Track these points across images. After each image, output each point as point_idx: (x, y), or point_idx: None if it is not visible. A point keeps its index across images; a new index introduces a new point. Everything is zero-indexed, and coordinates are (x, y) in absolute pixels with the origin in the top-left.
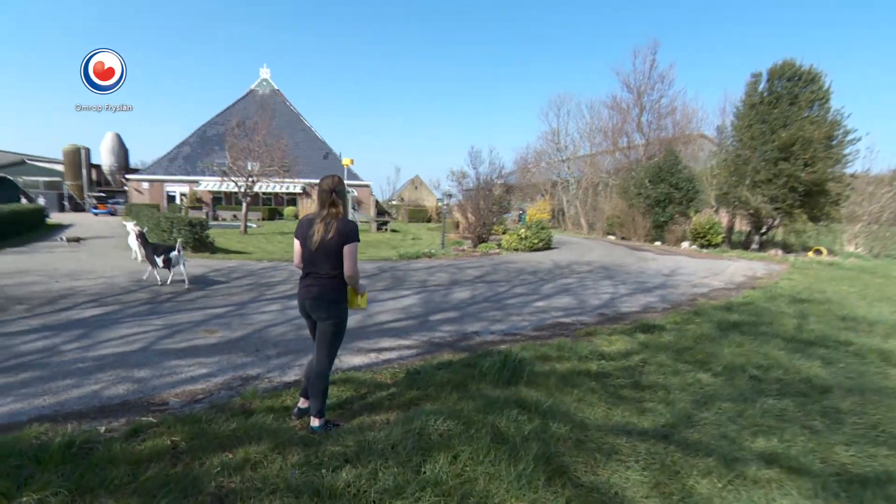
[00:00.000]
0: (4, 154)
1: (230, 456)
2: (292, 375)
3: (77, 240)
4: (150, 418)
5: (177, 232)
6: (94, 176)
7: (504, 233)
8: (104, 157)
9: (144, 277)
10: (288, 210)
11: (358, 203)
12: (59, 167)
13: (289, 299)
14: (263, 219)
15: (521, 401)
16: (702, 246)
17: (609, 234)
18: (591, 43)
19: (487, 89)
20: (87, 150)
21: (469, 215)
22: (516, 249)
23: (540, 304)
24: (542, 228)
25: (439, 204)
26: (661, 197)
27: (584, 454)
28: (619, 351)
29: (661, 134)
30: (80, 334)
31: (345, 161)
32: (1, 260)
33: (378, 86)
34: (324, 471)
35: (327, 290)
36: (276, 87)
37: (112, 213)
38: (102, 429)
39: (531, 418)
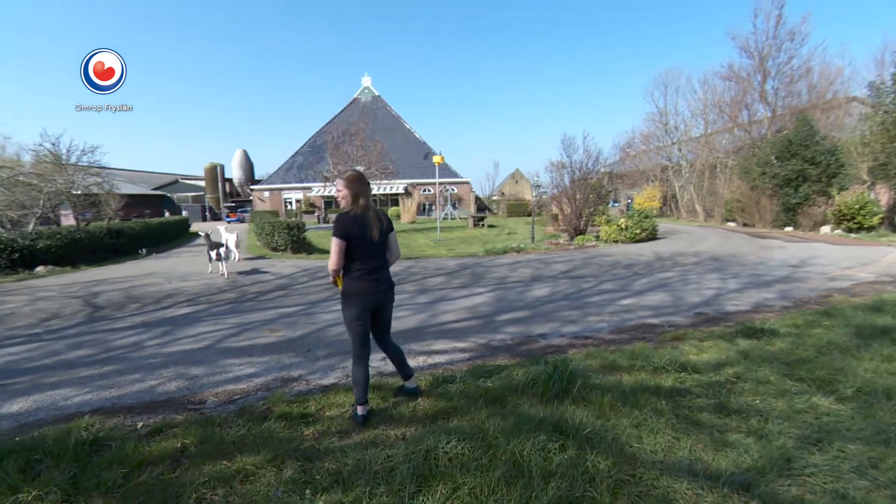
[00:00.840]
0: (162, 175)
1: (227, 465)
2: (332, 378)
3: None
4: (182, 417)
5: (277, 235)
6: (227, 188)
7: (607, 223)
8: (234, 172)
9: (208, 271)
10: (391, 210)
11: (458, 200)
12: (202, 183)
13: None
14: None
15: (560, 422)
16: (849, 230)
17: (728, 220)
18: (699, 13)
19: (591, 74)
20: (222, 167)
21: (564, 207)
22: (615, 241)
23: (626, 301)
24: (646, 217)
25: (532, 197)
26: (791, 175)
27: (621, 501)
28: (709, 361)
29: (792, 102)
30: (165, 331)
31: (435, 158)
32: (143, 264)
33: (476, 80)
34: (308, 491)
35: (389, 276)
36: (377, 94)
37: (241, 221)
38: (140, 424)
39: (565, 446)
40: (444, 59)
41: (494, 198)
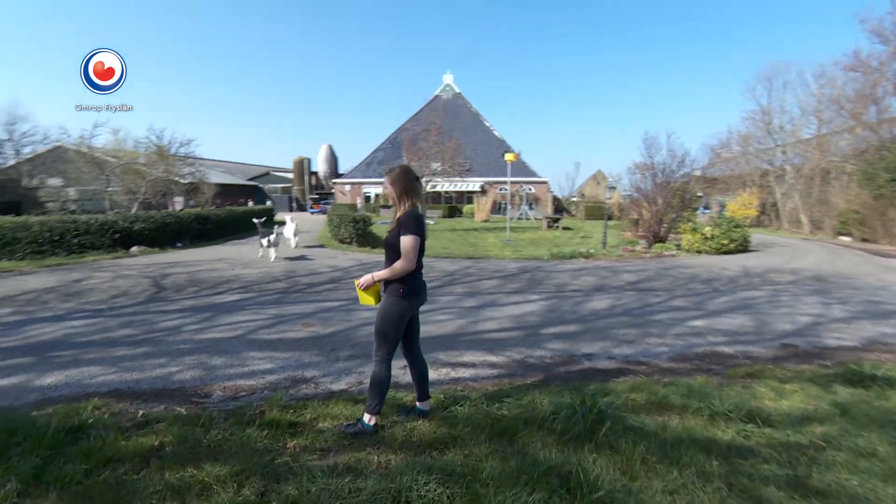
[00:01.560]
0: (255, 167)
1: (192, 472)
2: (343, 383)
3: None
4: (181, 410)
5: (344, 227)
6: (313, 181)
7: (691, 231)
8: (320, 166)
9: (259, 255)
10: (467, 208)
11: (535, 200)
12: (291, 175)
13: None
14: (444, 216)
15: (572, 475)
16: None
17: (842, 234)
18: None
19: (682, 72)
20: (309, 160)
21: (644, 211)
22: (699, 251)
23: (698, 323)
24: (736, 226)
25: (608, 199)
26: None
27: None
28: (789, 412)
29: None
30: (206, 318)
31: (508, 156)
32: (218, 249)
33: (559, 79)
34: None
35: None
36: (457, 91)
37: (323, 212)
38: (139, 413)
39: None
40: (527, 55)
41: (574, 199)
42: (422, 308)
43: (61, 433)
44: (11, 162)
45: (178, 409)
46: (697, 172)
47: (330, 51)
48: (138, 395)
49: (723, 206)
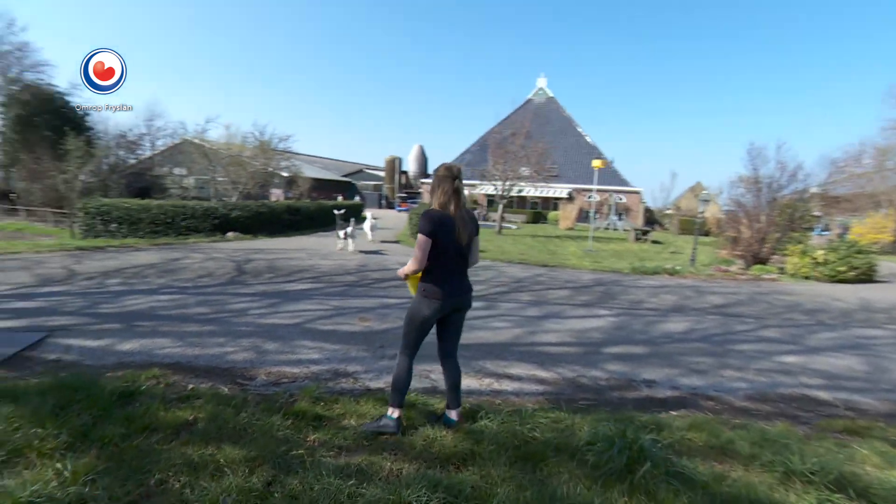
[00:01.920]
0: (349, 164)
1: (212, 451)
2: (382, 382)
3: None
4: (225, 389)
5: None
6: (403, 180)
7: (800, 254)
8: (410, 165)
9: (337, 248)
10: (552, 214)
11: (625, 210)
12: (382, 173)
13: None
14: (527, 221)
15: None
16: None
17: None
18: None
19: (799, 79)
20: (400, 160)
21: (743, 228)
22: (806, 277)
23: (789, 359)
24: (858, 252)
25: (700, 213)
26: None
27: None
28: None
29: None
30: (272, 303)
31: (595, 163)
32: (304, 239)
33: (660, 85)
34: None
35: (468, 281)
36: (550, 95)
37: (409, 211)
38: (189, 387)
39: None
40: (626, 60)
41: (668, 211)
42: (479, 313)
43: (114, 396)
44: (147, 154)
45: (222, 388)
46: (815, 189)
47: (428, 53)
48: (193, 369)
49: (846, 229)
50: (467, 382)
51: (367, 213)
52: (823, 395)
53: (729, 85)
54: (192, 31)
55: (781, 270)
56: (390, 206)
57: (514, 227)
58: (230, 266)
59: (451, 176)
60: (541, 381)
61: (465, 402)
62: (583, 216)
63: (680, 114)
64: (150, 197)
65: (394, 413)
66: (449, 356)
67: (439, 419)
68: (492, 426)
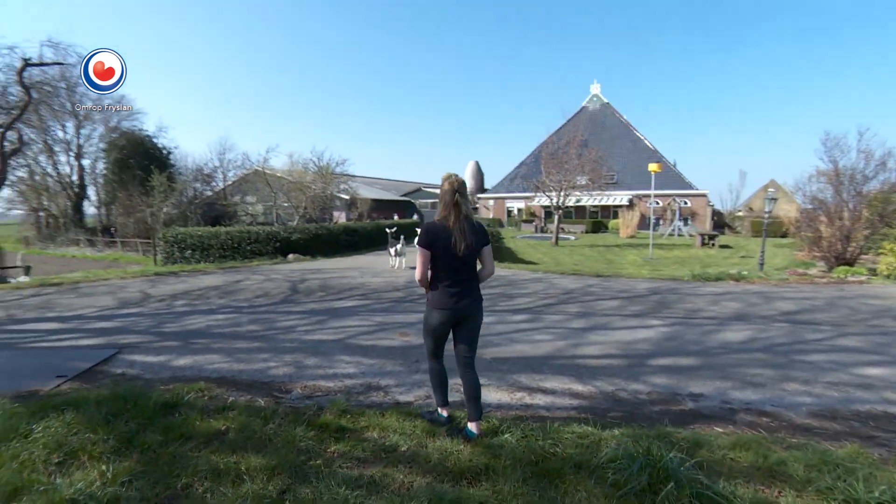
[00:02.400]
0: (408, 184)
1: (236, 459)
2: (412, 395)
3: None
4: (261, 401)
5: None
6: None
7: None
8: (467, 181)
9: (389, 266)
10: (612, 223)
11: (691, 215)
12: (439, 191)
13: (512, 313)
14: (586, 231)
15: None
16: None
17: None
18: None
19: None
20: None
21: (823, 227)
22: None
23: (871, 371)
24: None
25: (766, 212)
26: None
27: None
28: None
29: None
30: (319, 321)
31: (651, 167)
32: (359, 258)
33: (724, 78)
34: None
35: (477, 291)
36: (605, 101)
37: None
38: (230, 399)
39: None
40: (684, 55)
41: (739, 214)
42: (522, 326)
43: (158, 407)
44: (220, 185)
45: (259, 400)
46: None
47: (481, 66)
48: (236, 383)
49: None
50: (498, 396)
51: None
52: None
53: (802, 72)
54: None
55: (873, 272)
56: None
57: (572, 237)
58: (285, 286)
59: (452, 189)
60: (576, 394)
61: (492, 416)
62: (645, 223)
63: (749, 108)
64: (223, 224)
65: (442, 411)
66: (464, 366)
67: (461, 432)
68: (511, 441)
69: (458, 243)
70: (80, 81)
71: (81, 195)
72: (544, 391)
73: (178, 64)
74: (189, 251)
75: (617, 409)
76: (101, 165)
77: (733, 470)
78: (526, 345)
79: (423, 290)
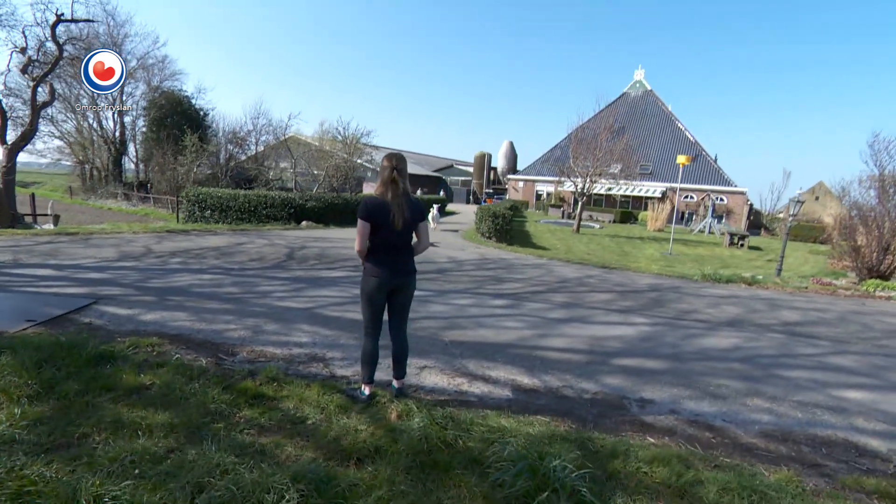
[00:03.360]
0: (440, 160)
1: (143, 415)
2: (351, 371)
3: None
4: (202, 361)
5: (483, 222)
6: (491, 176)
7: None
8: (500, 161)
9: None
10: (642, 215)
11: (726, 212)
12: (471, 169)
13: (494, 297)
14: (614, 221)
15: None
16: None
17: None
18: None
19: None
20: (489, 156)
21: (859, 236)
22: None
23: (853, 395)
24: None
25: (791, 215)
26: None
27: None
28: None
29: None
30: (297, 288)
31: (680, 159)
32: None
33: (775, 73)
34: (137, 471)
35: (411, 263)
36: (648, 88)
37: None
38: (174, 357)
39: None
40: (738, 45)
41: (780, 215)
42: (497, 311)
43: (91, 357)
44: (252, 150)
45: (202, 360)
46: None
47: (523, 45)
48: (189, 341)
49: None
50: (436, 380)
51: (435, 207)
52: (876, 444)
53: (864, 68)
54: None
55: None
56: (477, 201)
57: (597, 226)
58: (283, 252)
59: (391, 167)
60: (518, 387)
61: (415, 399)
62: (679, 217)
63: (802, 105)
64: (253, 188)
65: (365, 389)
66: (395, 331)
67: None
68: (416, 426)
69: (396, 218)
70: (129, 40)
71: (121, 151)
72: (486, 380)
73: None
74: (209, 211)
75: (553, 406)
76: (140, 123)
77: (641, 485)
78: (492, 330)
79: (420, 267)
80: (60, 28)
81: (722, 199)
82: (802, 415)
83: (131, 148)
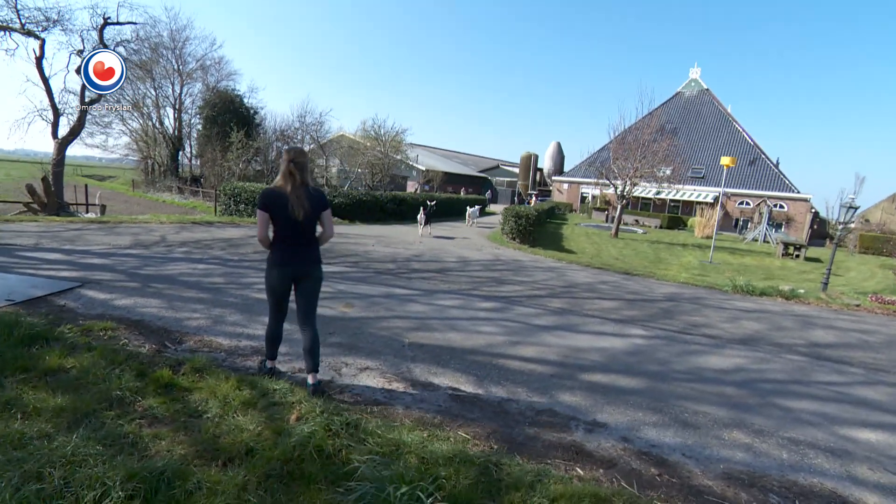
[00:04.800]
0: (487, 160)
1: (43, 396)
2: (287, 367)
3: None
4: (143, 348)
5: (506, 223)
6: (537, 177)
7: None
8: (546, 162)
9: (419, 234)
10: (691, 220)
11: (786, 220)
12: (517, 169)
13: (484, 299)
14: (661, 226)
15: None
16: None
17: None
18: None
19: None
20: (536, 157)
21: None
22: None
23: (864, 435)
24: None
25: (841, 223)
26: None
27: None
28: None
29: None
30: None
31: (724, 160)
32: (396, 227)
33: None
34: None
35: (315, 252)
36: (704, 87)
37: None
38: (121, 342)
39: None
40: (806, 45)
41: (851, 225)
42: (480, 315)
43: (24, 337)
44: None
45: (147, 346)
46: None
47: (575, 46)
48: (145, 328)
49: None
50: (371, 382)
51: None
52: (873, 501)
53: None
54: (356, 34)
55: None
56: (521, 202)
57: (640, 231)
58: None
59: (288, 160)
60: (456, 397)
61: (345, 401)
62: (734, 225)
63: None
64: None
65: (269, 363)
66: (303, 322)
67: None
68: (305, 432)
69: (295, 209)
70: (189, 42)
71: (178, 147)
72: (426, 386)
73: (276, 25)
74: (242, 205)
75: (485, 421)
76: (196, 121)
77: None
78: (461, 334)
79: (415, 265)
80: (127, 32)
81: (781, 206)
82: (788, 455)
83: (187, 145)
